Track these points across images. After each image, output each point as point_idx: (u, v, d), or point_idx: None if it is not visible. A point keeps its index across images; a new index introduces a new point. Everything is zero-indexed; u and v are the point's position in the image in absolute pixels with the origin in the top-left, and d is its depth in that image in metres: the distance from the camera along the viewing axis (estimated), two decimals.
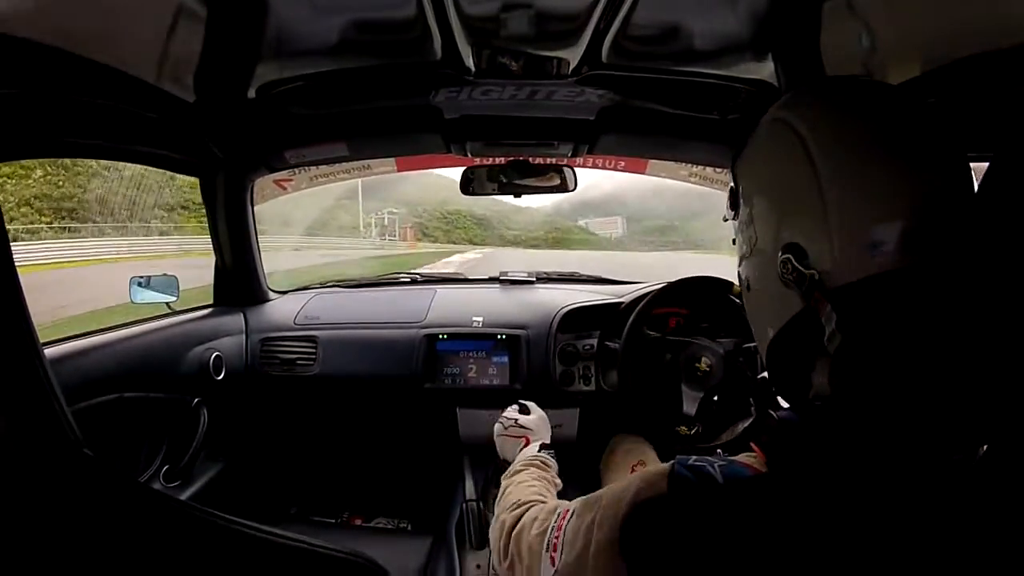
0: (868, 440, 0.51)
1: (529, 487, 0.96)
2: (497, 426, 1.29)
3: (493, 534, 0.88)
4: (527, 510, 0.84)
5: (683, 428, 1.37)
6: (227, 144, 1.60)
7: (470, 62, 1.17)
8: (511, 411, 1.31)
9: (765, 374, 1.24)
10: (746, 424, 1.38)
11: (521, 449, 1.18)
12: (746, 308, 0.71)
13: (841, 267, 0.52)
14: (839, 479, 0.50)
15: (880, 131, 0.54)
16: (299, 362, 1.86)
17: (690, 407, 1.40)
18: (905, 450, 0.50)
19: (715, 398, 1.44)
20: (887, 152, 0.52)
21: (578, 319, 1.85)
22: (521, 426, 1.25)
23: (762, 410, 1.33)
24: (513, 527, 0.82)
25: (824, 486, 0.50)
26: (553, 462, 1.09)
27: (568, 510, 0.72)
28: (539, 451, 1.12)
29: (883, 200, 0.51)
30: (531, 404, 1.36)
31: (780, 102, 0.62)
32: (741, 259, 0.69)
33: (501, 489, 1.02)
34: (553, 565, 0.69)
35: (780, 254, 0.56)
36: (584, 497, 0.72)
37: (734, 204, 0.70)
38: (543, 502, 0.87)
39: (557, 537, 0.70)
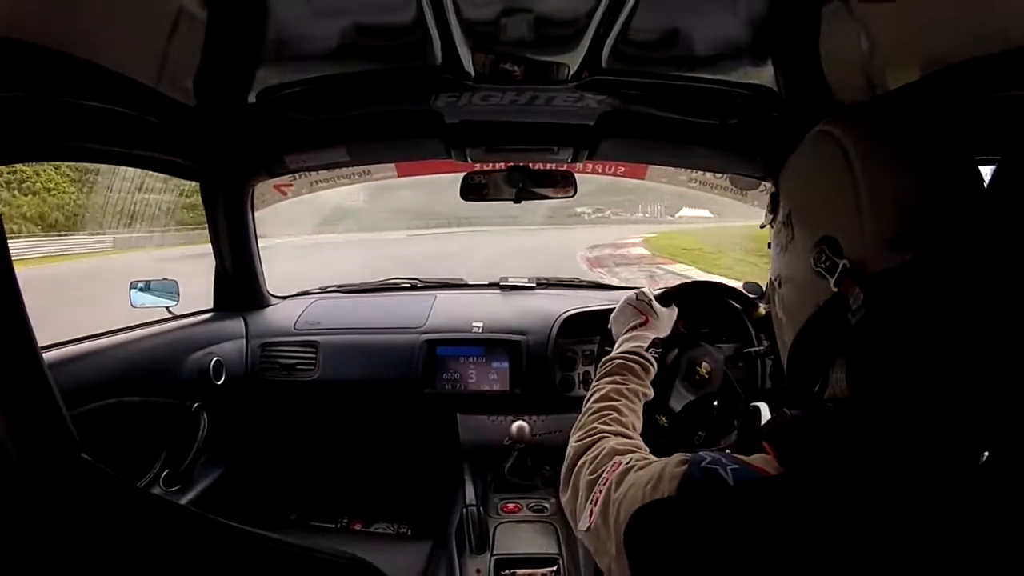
0: (885, 441, 0.51)
1: (607, 409, 0.92)
2: (631, 295, 1.24)
3: (567, 454, 0.86)
4: (596, 441, 0.83)
5: (662, 418, 1.38)
6: (227, 149, 1.60)
7: (470, 67, 1.17)
8: (650, 290, 1.27)
9: (757, 403, 1.25)
10: (731, 439, 1.39)
11: (634, 326, 1.15)
12: (773, 304, 0.75)
13: (870, 259, 0.56)
14: (855, 482, 0.50)
15: (913, 146, 0.59)
16: (299, 367, 1.86)
17: (676, 403, 1.41)
18: (923, 452, 0.50)
19: (715, 403, 1.44)
20: (918, 164, 0.57)
21: (578, 324, 1.85)
22: (652, 307, 1.20)
23: (746, 433, 1.34)
24: (579, 458, 0.82)
25: (839, 489, 0.50)
26: (654, 365, 1.06)
27: (619, 465, 0.71)
28: (648, 348, 1.09)
29: (911, 205, 0.55)
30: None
31: (827, 118, 0.67)
32: (776, 256, 0.73)
33: (591, 389, 0.99)
34: (590, 519, 0.70)
35: (815, 246, 0.61)
36: (632, 459, 0.72)
37: (774, 207, 0.75)
38: (612, 434, 0.85)
39: (600, 491, 0.70)
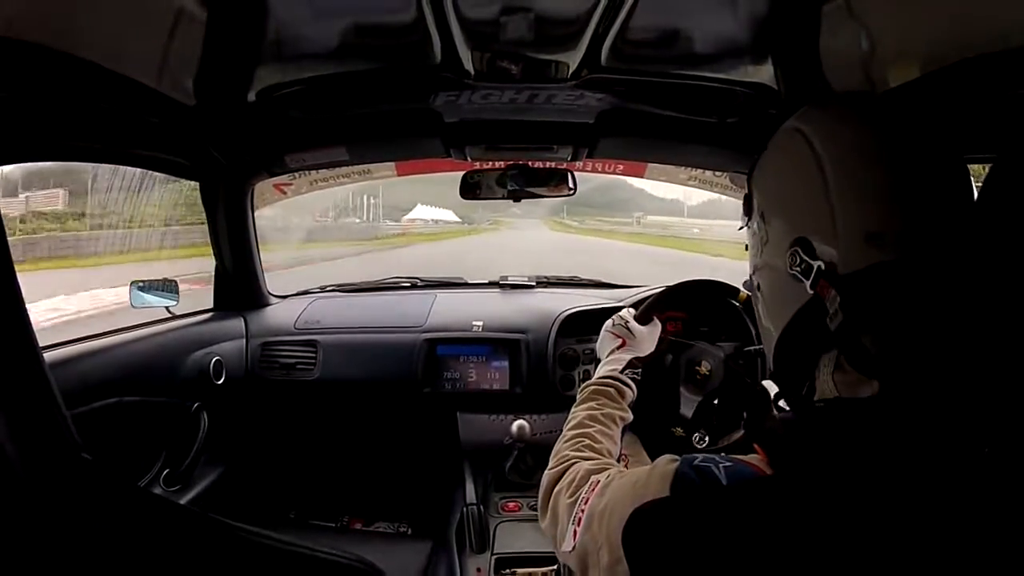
0: (875, 442, 0.51)
1: (579, 436, 0.92)
2: (608, 322, 1.25)
3: (542, 484, 0.87)
4: (568, 467, 0.83)
5: (678, 429, 1.37)
6: (227, 148, 1.60)
7: (469, 66, 1.17)
8: (628, 312, 1.26)
9: (765, 382, 1.24)
10: (740, 434, 1.38)
11: (612, 351, 1.16)
12: (756, 307, 0.74)
13: (844, 258, 0.56)
14: (847, 484, 0.49)
15: (881, 140, 0.59)
16: (299, 366, 1.86)
17: (687, 409, 1.40)
18: (916, 452, 0.49)
19: (715, 402, 1.43)
20: (887, 158, 0.57)
21: (578, 323, 1.85)
22: (628, 329, 1.20)
23: (755, 419, 1.32)
24: (553, 485, 0.83)
25: (831, 488, 0.50)
26: (631, 389, 1.05)
27: (598, 483, 0.71)
28: (623, 370, 1.09)
29: (881, 200, 0.56)
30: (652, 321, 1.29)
31: (795, 115, 0.67)
32: (752, 259, 0.73)
33: (570, 415, 1.00)
34: (574, 539, 0.69)
35: (789, 248, 0.60)
36: (609, 474, 0.72)
37: (748, 209, 0.74)
38: (584, 459, 0.85)
39: (583, 511, 0.70)
